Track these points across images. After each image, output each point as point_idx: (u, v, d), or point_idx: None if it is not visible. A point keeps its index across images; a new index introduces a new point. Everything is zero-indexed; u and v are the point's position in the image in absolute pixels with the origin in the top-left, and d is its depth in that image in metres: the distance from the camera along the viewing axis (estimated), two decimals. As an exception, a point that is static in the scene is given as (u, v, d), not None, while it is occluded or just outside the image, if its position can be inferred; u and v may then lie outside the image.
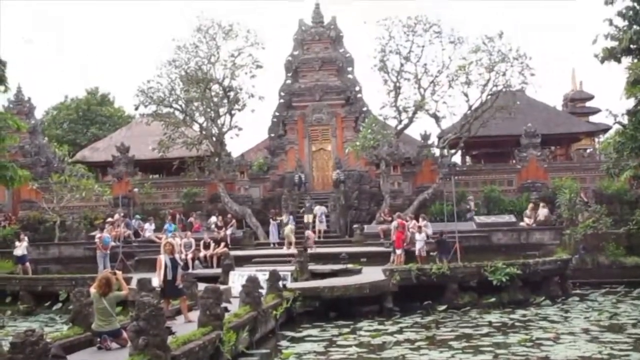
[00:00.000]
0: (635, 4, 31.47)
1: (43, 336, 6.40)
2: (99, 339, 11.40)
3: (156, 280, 15.20)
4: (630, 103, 28.75)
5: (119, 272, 13.10)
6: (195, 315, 13.30)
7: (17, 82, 47.52)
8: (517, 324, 17.46)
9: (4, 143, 32.02)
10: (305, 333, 16.73)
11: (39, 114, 48.63)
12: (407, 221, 27.34)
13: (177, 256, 15.97)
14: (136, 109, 37.31)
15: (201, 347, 11.12)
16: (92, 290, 11.83)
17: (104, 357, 10.41)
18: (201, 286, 15.86)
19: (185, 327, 12.78)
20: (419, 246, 24.97)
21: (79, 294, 12.66)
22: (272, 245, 31.01)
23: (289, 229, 29.81)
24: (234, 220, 32.44)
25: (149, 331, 9.26)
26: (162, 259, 14.99)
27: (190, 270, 23.64)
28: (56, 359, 7.42)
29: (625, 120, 30.15)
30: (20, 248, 27.74)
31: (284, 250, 27.91)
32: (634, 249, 28.29)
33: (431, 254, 24.96)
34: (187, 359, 10.42)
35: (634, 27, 30.82)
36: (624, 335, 15.38)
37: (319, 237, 30.89)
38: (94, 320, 11.65)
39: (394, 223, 25.81)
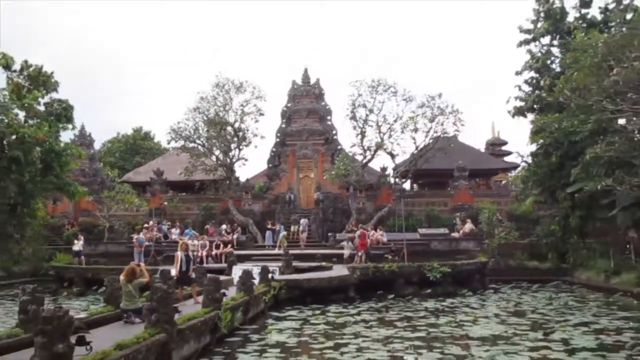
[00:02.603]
0: (537, 75, 31.81)
1: (68, 312, 6.11)
2: (125, 315, 11.20)
3: (174, 271, 14.94)
4: (533, 147, 29.00)
5: (142, 264, 12.86)
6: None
7: (81, 121, 47.68)
8: (446, 309, 17.31)
9: (69, 166, 31.82)
10: (287, 314, 16.55)
11: (97, 145, 48.38)
12: (368, 231, 27.25)
13: (190, 253, 15.74)
14: (168, 143, 37.96)
15: (202, 323, 10.90)
16: (121, 277, 11.61)
17: (128, 329, 10.13)
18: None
19: (194, 308, 12.50)
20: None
21: (111, 280, 12.42)
22: (267, 247, 30.75)
23: (283, 235, 29.75)
24: (239, 228, 32.39)
25: (160, 310, 9.01)
26: (179, 255, 14.83)
27: (204, 265, 23.32)
28: (79, 330, 7.11)
29: (529, 159, 30.39)
30: (78, 245, 27.63)
31: (276, 251, 27.61)
32: (534, 255, 28.51)
33: (385, 255, 24.86)
34: (190, 332, 10.19)
35: (536, 92, 31.14)
36: (525, 318, 15.31)
37: (302, 243, 30.65)
38: (122, 300, 11.40)
39: (358, 232, 25.61)
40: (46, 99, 32.06)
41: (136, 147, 62.00)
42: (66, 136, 41.76)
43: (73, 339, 6.49)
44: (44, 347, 5.82)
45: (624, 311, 16.57)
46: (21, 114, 30.44)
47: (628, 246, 24.58)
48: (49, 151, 29.81)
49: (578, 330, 13.08)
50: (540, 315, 15.77)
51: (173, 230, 31.40)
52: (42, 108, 31.66)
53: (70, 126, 33.43)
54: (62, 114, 32.04)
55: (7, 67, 30.99)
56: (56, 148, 30.21)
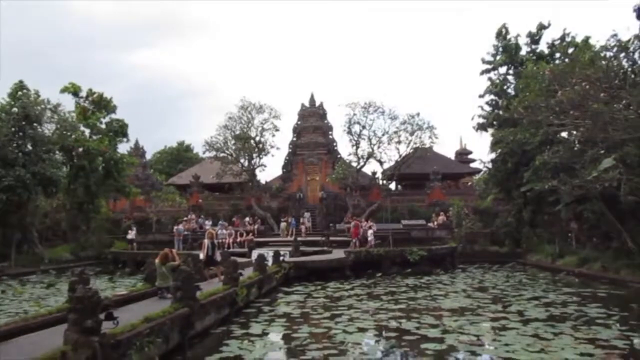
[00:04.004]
0: (496, 98, 31.25)
1: (97, 292, 5.64)
2: (159, 292, 10.73)
3: (202, 255, 14.47)
4: (493, 155, 28.53)
5: (174, 250, 12.29)
6: (225, 278, 12.54)
7: (136, 136, 47.52)
8: (423, 285, 16.70)
9: (125, 172, 31.66)
10: (294, 289, 15.97)
11: (148, 156, 47.91)
12: (361, 222, 26.72)
13: (215, 240, 15.26)
14: (204, 153, 37.61)
15: (222, 298, 10.39)
16: (156, 260, 11.11)
17: (160, 303, 9.63)
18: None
19: (217, 286, 11.95)
20: (370, 239, 24.25)
21: (149, 263, 11.95)
22: (281, 236, 30.19)
23: (284, 225, 30.05)
24: (259, 220, 31.89)
25: (184, 288, 8.52)
26: (206, 242, 14.35)
27: (230, 249, 22.81)
28: (108, 307, 6.65)
29: (490, 165, 29.96)
30: (131, 234, 27.31)
31: (288, 238, 27.13)
32: (495, 242, 28.00)
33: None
34: (211, 306, 9.68)
35: (495, 111, 30.63)
36: (487, 293, 14.70)
37: (308, 232, 30.18)
38: (157, 279, 10.94)
39: (352, 223, 25.11)
40: (107, 119, 31.96)
41: (179, 157, 61.62)
42: (123, 149, 41.53)
43: (102, 316, 6.01)
44: (75, 322, 5.36)
45: (567, 287, 15.98)
46: (87, 131, 30.31)
47: (570, 235, 24.09)
48: (109, 160, 29.70)
49: (531, 304, 12.51)
50: (499, 291, 15.19)
51: (207, 222, 30.96)
52: (103, 126, 31.53)
53: (125, 140, 33.34)
54: (119, 130, 31.93)
55: (75, 93, 30.86)
56: (115, 158, 30.12)
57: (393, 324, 10.17)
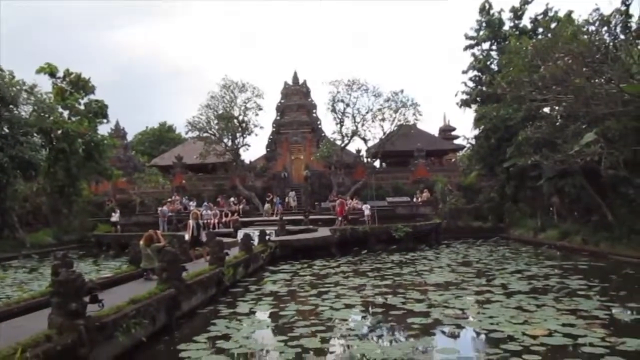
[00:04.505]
0: (480, 74, 31.30)
1: (81, 274, 5.54)
2: (145, 273, 10.65)
3: (187, 236, 14.39)
4: (476, 132, 28.69)
5: (159, 231, 12.16)
6: (211, 258, 12.49)
7: (116, 118, 46.66)
8: (408, 261, 16.89)
9: (107, 154, 31.16)
10: (281, 267, 16.04)
11: (129, 137, 47.10)
12: (346, 200, 26.83)
13: (200, 221, 15.17)
14: (186, 133, 37.48)
15: (208, 278, 10.36)
16: (141, 242, 11.01)
17: (146, 284, 9.57)
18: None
19: (203, 265, 11.90)
20: (367, 213, 24.35)
21: (134, 245, 11.83)
22: (265, 215, 30.14)
23: (267, 206, 30.06)
24: (244, 200, 31.77)
25: (170, 269, 8.46)
26: (191, 222, 14.27)
27: (215, 230, 22.73)
28: (93, 290, 6.55)
29: (473, 142, 30.12)
30: (115, 217, 27.17)
31: (271, 218, 27.14)
32: (478, 217, 28.39)
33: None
34: (197, 286, 9.66)
35: (479, 87, 30.69)
36: (471, 268, 14.93)
37: (292, 210, 30.34)
38: (142, 261, 10.85)
39: (337, 201, 25.18)
40: (85, 100, 31.34)
41: (161, 138, 60.76)
42: (103, 130, 40.57)
43: (87, 299, 5.94)
44: (59, 306, 5.28)
45: (549, 260, 16.29)
46: (65, 113, 29.67)
47: (551, 209, 24.46)
48: (89, 142, 29.16)
49: (514, 277, 12.72)
50: (483, 265, 15.42)
51: (191, 203, 30.77)
52: (82, 107, 30.87)
53: (105, 121, 32.80)
54: (99, 111, 31.37)
55: (52, 74, 30.08)
56: (95, 140, 29.61)
57: (379, 299, 10.28)
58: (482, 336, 7.31)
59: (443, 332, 7.67)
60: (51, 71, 29.96)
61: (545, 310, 8.63)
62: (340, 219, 23.80)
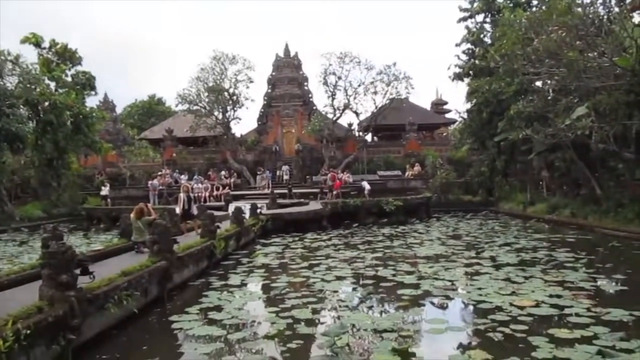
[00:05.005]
0: (473, 47, 31.02)
1: (71, 246, 5.51)
2: (136, 246, 10.60)
3: (178, 209, 14.34)
4: (468, 106, 28.65)
5: (149, 204, 12.11)
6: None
7: (105, 90, 45.94)
8: (399, 234, 17.03)
9: (95, 127, 30.74)
10: (272, 241, 16.07)
11: (118, 109, 46.38)
12: (337, 174, 26.87)
13: (191, 194, 15.12)
14: (176, 106, 37.35)
15: (199, 251, 10.39)
16: (131, 215, 10.96)
17: (137, 257, 9.55)
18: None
19: (195, 238, 11.90)
20: (368, 188, 24.30)
21: (125, 218, 11.76)
22: (257, 188, 30.15)
23: (259, 179, 30.28)
24: (235, 173, 31.79)
25: (161, 242, 8.45)
26: (181, 196, 14.21)
27: (206, 203, 22.70)
28: (83, 262, 6.54)
29: (465, 115, 30.09)
30: (105, 190, 26.92)
31: (262, 191, 27.14)
32: (468, 191, 28.68)
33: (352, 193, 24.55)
34: (189, 259, 9.68)
35: (472, 60, 30.46)
36: (460, 241, 15.09)
37: (285, 183, 30.18)
38: (133, 234, 10.82)
39: (329, 175, 25.22)
40: (72, 71, 30.76)
41: (151, 111, 60.02)
42: (92, 102, 39.90)
43: (78, 271, 5.92)
44: (49, 277, 5.26)
45: (538, 233, 16.53)
46: (52, 85, 29.11)
47: (541, 183, 24.70)
48: (77, 115, 28.72)
49: (503, 250, 12.91)
50: (472, 238, 15.61)
51: (182, 176, 30.64)
52: (69, 79, 30.31)
53: (93, 93, 32.27)
54: (87, 83, 30.82)
55: (38, 44, 29.39)
56: (83, 112, 29.17)
57: (370, 272, 10.38)
58: (471, 307, 7.43)
59: (432, 303, 7.79)
60: (36, 41, 29.26)
61: (532, 281, 8.78)
62: (335, 192, 23.83)
